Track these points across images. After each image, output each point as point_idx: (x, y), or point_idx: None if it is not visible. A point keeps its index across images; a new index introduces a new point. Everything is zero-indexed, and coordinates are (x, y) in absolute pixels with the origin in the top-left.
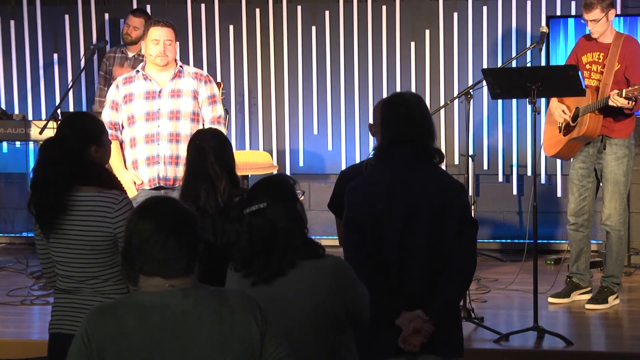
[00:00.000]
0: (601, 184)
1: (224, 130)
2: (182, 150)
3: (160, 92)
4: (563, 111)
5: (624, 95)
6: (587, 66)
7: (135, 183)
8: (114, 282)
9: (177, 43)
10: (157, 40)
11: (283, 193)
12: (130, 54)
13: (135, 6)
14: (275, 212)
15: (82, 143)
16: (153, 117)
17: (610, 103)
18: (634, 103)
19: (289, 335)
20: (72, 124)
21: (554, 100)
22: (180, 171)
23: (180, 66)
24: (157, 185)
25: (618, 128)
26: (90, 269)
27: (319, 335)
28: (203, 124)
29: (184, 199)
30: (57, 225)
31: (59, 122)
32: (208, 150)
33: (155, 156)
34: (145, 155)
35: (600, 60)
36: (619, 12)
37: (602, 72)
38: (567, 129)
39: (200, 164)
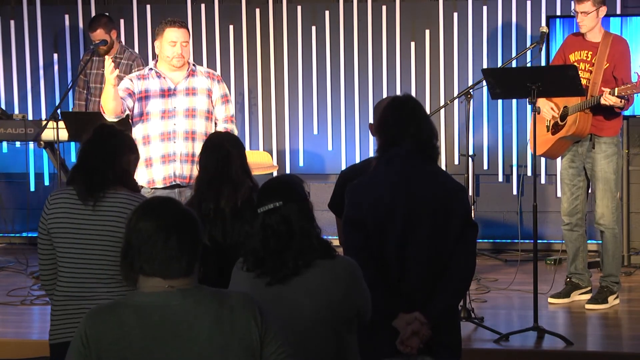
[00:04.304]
0: (591, 183)
1: (235, 129)
2: (198, 148)
3: (175, 89)
4: (552, 108)
5: (616, 93)
6: (575, 64)
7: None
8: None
9: (190, 43)
10: (174, 42)
11: (295, 192)
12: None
13: (135, 6)
14: (290, 210)
15: (125, 147)
16: (169, 114)
17: (602, 102)
18: (625, 102)
19: (302, 334)
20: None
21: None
22: (195, 169)
23: (193, 65)
24: (173, 183)
25: (607, 127)
26: (110, 268)
27: (330, 334)
28: (215, 123)
29: (204, 198)
30: (95, 203)
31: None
32: (235, 157)
33: (171, 154)
34: (160, 153)
35: (589, 59)
36: (618, 12)
37: (590, 71)
38: (555, 127)
39: (225, 170)
